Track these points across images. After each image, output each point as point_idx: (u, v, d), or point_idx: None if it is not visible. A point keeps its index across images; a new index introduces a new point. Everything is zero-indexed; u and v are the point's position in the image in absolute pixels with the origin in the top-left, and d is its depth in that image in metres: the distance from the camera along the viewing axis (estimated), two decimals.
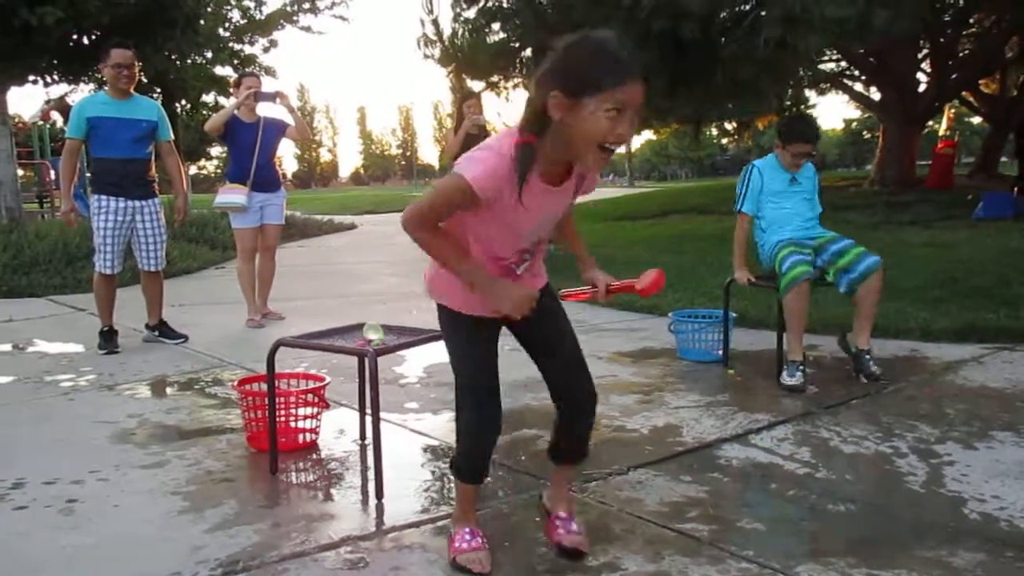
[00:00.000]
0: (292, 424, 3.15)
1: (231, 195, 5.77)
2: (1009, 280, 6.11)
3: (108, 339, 5.10)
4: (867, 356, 4.03)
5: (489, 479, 2.47)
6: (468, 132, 7.30)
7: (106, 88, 5.17)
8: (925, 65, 17.51)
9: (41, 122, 17.11)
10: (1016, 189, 11.68)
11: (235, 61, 15.63)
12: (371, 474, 2.73)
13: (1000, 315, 5.01)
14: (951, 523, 2.42)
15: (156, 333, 5.33)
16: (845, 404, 3.67)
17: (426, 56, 13.21)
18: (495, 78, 13.70)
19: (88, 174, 5.67)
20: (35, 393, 4.13)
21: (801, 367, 3.93)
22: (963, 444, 3.08)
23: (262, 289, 6.07)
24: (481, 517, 2.50)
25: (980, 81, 18.86)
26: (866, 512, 2.51)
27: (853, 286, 4.03)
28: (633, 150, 67.30)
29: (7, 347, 5.30)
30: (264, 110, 5.91)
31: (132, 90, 5.10)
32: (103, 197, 5.01)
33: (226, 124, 5.73)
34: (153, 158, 5.20)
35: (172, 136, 5.35)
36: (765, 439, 3.20)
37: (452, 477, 2.31)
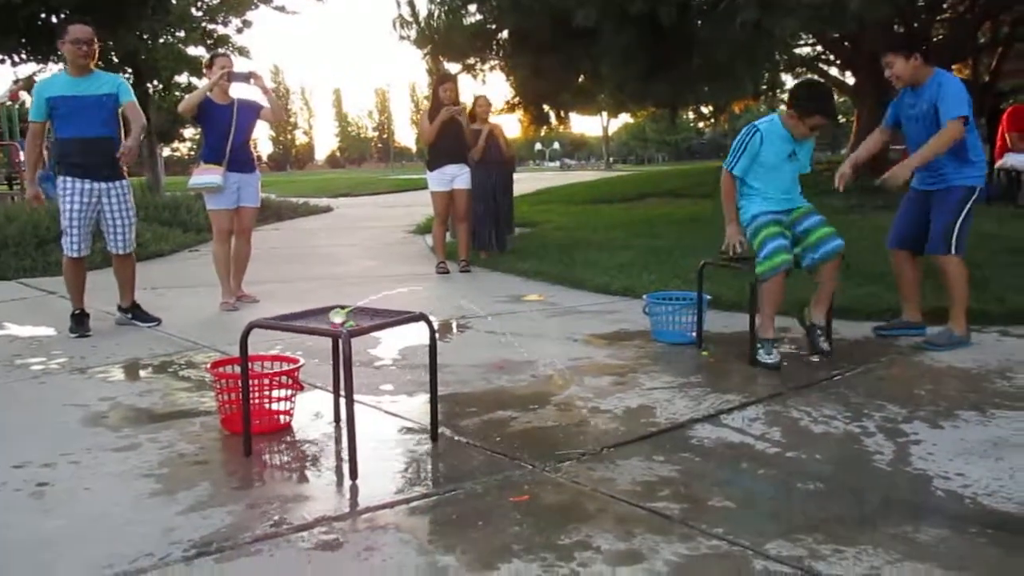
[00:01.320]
0: (266, 406, 3.15)
1: (207, 175, 5.68)
2: (979, 263, 6.18)
3: (79, 322, 5.02)
4: (819, 332, 4.14)
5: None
6: (442, 119, 7.27)
7: (65, 67, 5.00)
8: None
9: (10, 102, 16.79)
10: (987, 173, 11.82)
11: (208, 41, 15.41)
12: (345, 455, 2.73)
13: (969, 297, 5.07)
14: (917, 500, 2.46)
15: (129, 316, 5.25)
16: (815, 385, 3.72)
17: (402, 37, 13.12)
18: (471, 60, 13.63)
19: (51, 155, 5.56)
20: (5, 376, 4.08)
21: (776, 345, 4.02)
22: (929, 423, 3.13)
23: (237, 272, 6.01)
24: (454, 498, 2.52)
25: (953, 67, 19.01)
26: (834, 490, 2.55)
27: (814, 265, 4.14)
28: (610, 133, 67.35)
29: None
30: (237, 92, 5.84)
31: (92, 66, 4.94)
32: (68, 179, 4.89)
33: (200, 105, 5.65)
34: (119, 138, 5.02)
35: (134, 97, 5.11)
36: (737, 419, 3.24)
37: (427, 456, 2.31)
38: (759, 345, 4.04)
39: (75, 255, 5.00)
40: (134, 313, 5.26)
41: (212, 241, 6.09)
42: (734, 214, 4.29)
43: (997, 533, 2.23)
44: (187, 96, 5.80)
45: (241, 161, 5.81)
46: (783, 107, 4.18)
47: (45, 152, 5.97)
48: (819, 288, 4.19)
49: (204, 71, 6.14)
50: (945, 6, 16.88)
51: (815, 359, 4.16)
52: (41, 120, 4.91)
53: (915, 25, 16.24)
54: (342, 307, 2.83)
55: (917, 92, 4.35)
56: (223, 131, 5.70)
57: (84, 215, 4.94)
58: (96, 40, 4.92)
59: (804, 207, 4.26)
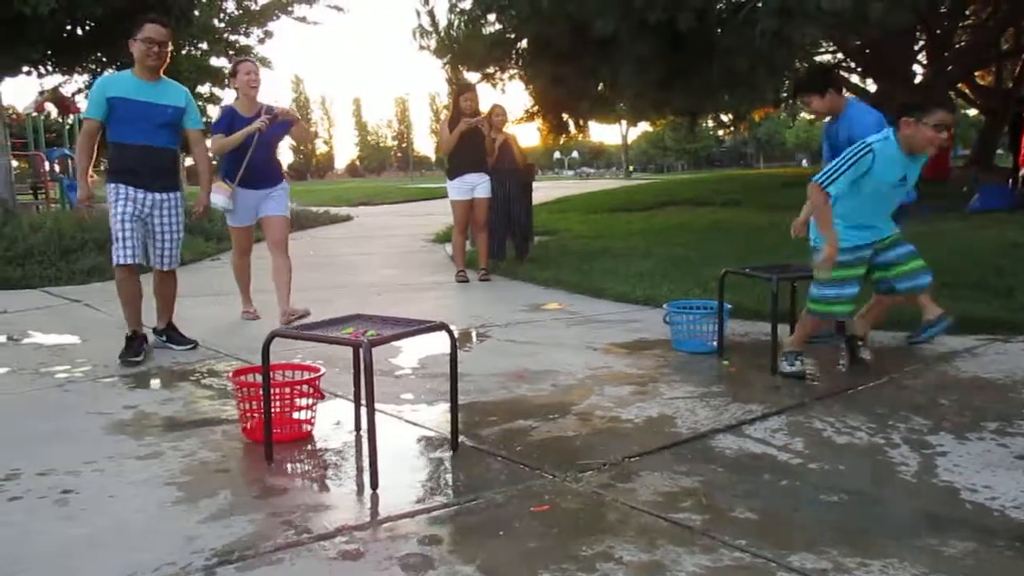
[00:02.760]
0: (287, 415, 3.16)
1: (217, 196, 5.40)
2: (1004, 272, 6.13)
3: (131, 347, 4.58)
4: (859, 342, 4.08)
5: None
6: (461, 131, 7.29)
7: (133, 68, 4.60)
8: (921, 57, 17.51)
9: (35, 113, 17.02)
10: (1012, 181, 11.71)
11: (230, 52, 15.57)
12: (366, 464, 2.73)
13: (994, 306, 5.03)
14: (943, 513, 2.43)
15: (164, 338, 4.88)
16: (839, 395, 3.68)
17: (422, 47, 13.22)
18: (491, 69, 13.69)
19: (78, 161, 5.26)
20: (30, 384, 4.12)
21: (800, 357, 3.99)
22: (955, 435, 3.09)
23: (281, 289, 5.60)
24: (475, 508, 2.51)
25: (976, 73, 18.88)
26: (858, 502, 2.52)
27: (899, 292, 3.91)
28: (629, 141, 67.33)
29: (2, 339, 5.28)
30: (263, 98, 5.61)
31: (162, 73, 4.64)
32: (120, 185, 4.54)
33: (227, 117, 5.45)
34: (178, 149, 4.82)
35: (202, 124, 4.89)
36: (759, 430, 3.21)
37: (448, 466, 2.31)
38: (783, 356, 4.00)
39: (126, 261, 4.52)
40: (169, 335, 4.89)
41: (232, 252, 5.99)
42: (832, 234, 3.72)
43: None
44: (226, 139, 5.41)
45: (260, 179, 5.54)
46: (900, 121, 3.64)
47: (70, 161, 5.68)
48: (876, 309, 4.11)
49: (228, 79, 5.92)
50: (968, 12, 16.74)
51: (844, 368, 4.12)
52: (98, 119, 4.51)
53: (937, 32, 16.13)
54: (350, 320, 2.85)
55: (838, 119, 4.46)
56: (246, 144, 5.42)
57: (137, 219, 4.55)
58: (170, 44, 4.61)
59: (892, 236, 3.89)
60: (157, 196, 4.63)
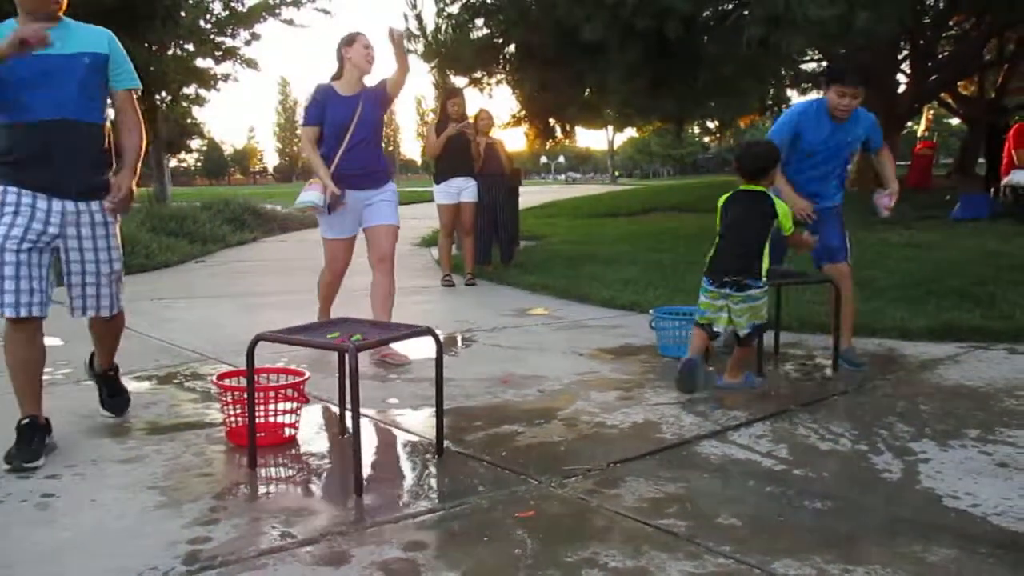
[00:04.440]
0: (272, 419, 3.14)
1: (308, 191, 4.45)
2: (985, 280, 6.18)
3: (26, 440, 2.92)
4: None
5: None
6: (448, 135, 7.30)
7: (17, 17, 2.95)
8: (905, 66, 17.65)
9: None
10: (992, 190, 11.83)
11: (216, 53, 15.51)
12: (351, 469, 2.72)
13: (976, 314, 5.07)
14: (926, 520, 2.45)
15: (96, 380, 3.60)
16: (822, 402, 3.70)
17: (409, 51, 13.18)
18: (478, 74, 13.70)
19: None
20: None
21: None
22: (938, 442, 3.11)
23: (381, 318, 4.43)
24: (460, 513, 2.51)
25: (959, 83, 19.05)
26: (842, 508, 2.53)
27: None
28: (616, 147, 67.55)
29: None
30: (370, 79, 4.54)
31: (60, 13, 2.98)
32: (11, 189, 2.94)
33: (319, 100, 4.44)
34: (107, 124, 3.12)
35: (137, 83, 3.20)
36: (743, 436, 3.22)
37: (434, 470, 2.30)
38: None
39: (12, 314, 2.93)
40: (106, 381, 3.55)
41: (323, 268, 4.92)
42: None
43: (1008, 553, 2.21)
44: (310, 157, 4.50)
45: (362, 175, 4.44)
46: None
47: None
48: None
49: (343, 49, 4.43)
50: (951, 23, 16.91)
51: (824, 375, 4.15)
52: None
53: (921, 42, 16.28)
54: (336, 324, 2.84)
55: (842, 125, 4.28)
56: (338, 132, 4.39)
57: (32, 243, 3.00)
58: None
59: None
60: (70, 206, 3.02)
